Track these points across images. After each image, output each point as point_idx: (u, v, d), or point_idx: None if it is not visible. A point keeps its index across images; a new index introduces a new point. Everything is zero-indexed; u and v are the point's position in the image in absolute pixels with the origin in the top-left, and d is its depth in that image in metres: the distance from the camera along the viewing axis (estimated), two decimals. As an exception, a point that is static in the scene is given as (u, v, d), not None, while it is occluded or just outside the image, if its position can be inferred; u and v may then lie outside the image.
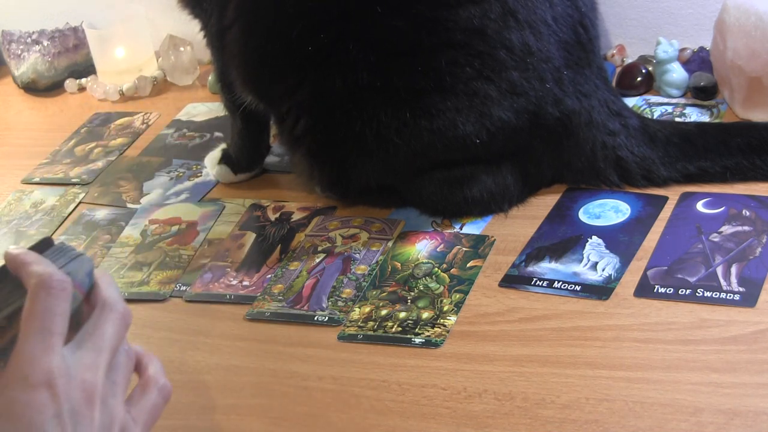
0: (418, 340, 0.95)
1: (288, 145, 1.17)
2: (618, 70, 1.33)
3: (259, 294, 1.06)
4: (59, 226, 1.26)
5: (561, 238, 1.05)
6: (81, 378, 0.68)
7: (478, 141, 1.06)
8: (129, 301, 1.06)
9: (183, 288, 1.09)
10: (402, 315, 0.99)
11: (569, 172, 1.12)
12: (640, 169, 1.10)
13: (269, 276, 1.08)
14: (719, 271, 0.96)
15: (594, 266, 1.00)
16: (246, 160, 1.27)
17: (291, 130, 1.13)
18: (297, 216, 1.18)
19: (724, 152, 1.09)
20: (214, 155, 1.29)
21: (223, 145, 1.29)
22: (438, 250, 1.07)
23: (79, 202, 1.30)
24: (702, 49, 1.31)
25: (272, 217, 1.18)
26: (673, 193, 1.09)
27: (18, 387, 0.65)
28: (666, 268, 0.98)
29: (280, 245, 1.13)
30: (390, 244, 1.09)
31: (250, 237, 1.15)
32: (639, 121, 1.13)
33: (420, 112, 1.05)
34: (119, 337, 0.72)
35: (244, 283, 1.08)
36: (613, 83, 1.28)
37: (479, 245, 1.06)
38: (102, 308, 0.72)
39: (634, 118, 1.13)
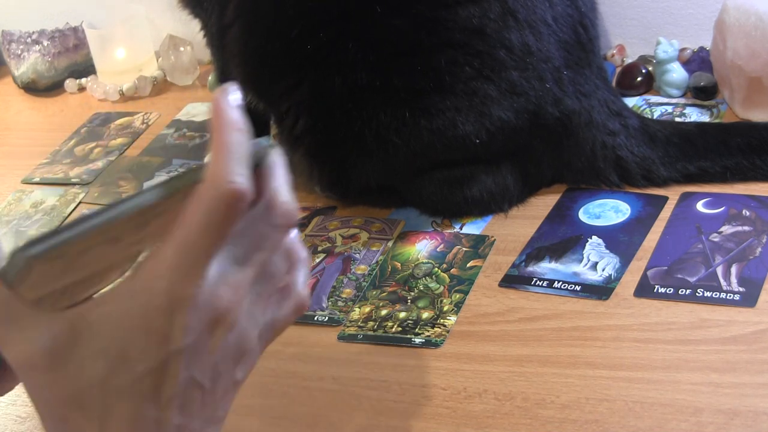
0: (418, 340, 0.95)
1: (287, 145, 1.17)
2: (618, 70, 1.33)
3: (259, 294, 1.06)
4: (59, 226, 1.25)
5: (561, 238, 1.05)
6: (217, 300, 0.56)
7: (477, 141, 1.06)
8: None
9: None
10: (402, 315, 0.99)
11: (569, 172, 1.12)
12: (640, 169, 1.10)
13: (269, 276, 1.08)
14: (719, 271, 0.96)
15: (594, 266, 1.00)
16: None
17: (290, 130, 1.13)
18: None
19: (724, 152, 1.09)
20: None
21: None
22: (438, 250, 1.07)
23: (79, 202, 1.30)
24: (702, 49, 1.30)
25: (272, 217, 1.18)
26: (673, 193, 1.08)
27: (141, 300, 0.55)
28: (666, 268, 0.98)
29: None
30: (390, 244, 1.09)
31: (250, 237, 1.15)
32: (639, 121, 1.13)
33: (419, 111, 1.05)
34: (279, 244, 0.60)
35: (244, 283, 1.08)
36: (613, 83, 1.28)
37: (479, 245, 1.06)
38: (266, 208, 0.59)
39: (634, 118, 1.13)
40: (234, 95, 0.58)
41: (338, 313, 1.01)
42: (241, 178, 0.55)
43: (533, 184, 1.12)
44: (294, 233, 0.62)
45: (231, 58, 1.15)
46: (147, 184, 1.31)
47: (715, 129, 1.13)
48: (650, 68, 1.30)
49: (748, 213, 1.03)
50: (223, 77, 1.21)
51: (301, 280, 0.63)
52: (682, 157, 1.10)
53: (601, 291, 0.97)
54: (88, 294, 0.58)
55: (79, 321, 0.56)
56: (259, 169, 0.58)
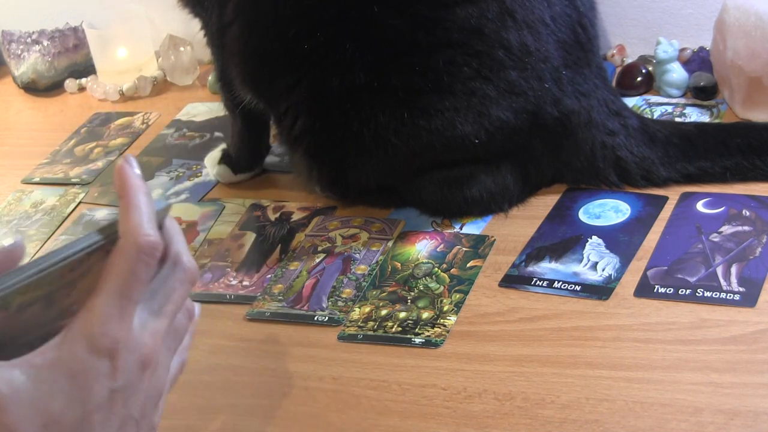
0: (418, 340, 0.95)
1: (287, 145, 1.17)
2: (618, 70, 1.33)
3: (259, 294, 1.06)
4: (59, 226, 1.26)
5: (561, 238, 1.05)
6: (143, 347, 0.64)
7: (477, 141, 1.06)
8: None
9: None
10: (402, 315, 0.99)
11: (569, 172, 1.12)
12: (639, 169, 1.10)
13: (269, 276, 1.08)
14: (719, 271, 0.96)
15: (594, 266, 1.00)
16: (246, 160, 1.27)
17: (289, 130, 1.13)
18: (297, 216, 1.18)
19: (724, 153, 1.09)
20: (213, 155, 1.29)
21: (222, 145, 1.29)
22: (438, 250, 1.07)
23: (79, 202, 1.30)
24: (702, 49, 1.30)
25: (272, 217, 1.18)
26: (673, 193, 1.08)
27: (83, 345, 0.62)
28: (666, 268, 0.98)
29: (280, 245, 1.13)
30: (390, 244, 1.09)
31: (250, 237, 1.15)
32: (638, 121, 1.13)
33: (418, 112, 1.05)
34: (185, 299, 0.68)
35: (244, 283, 1.08)
36: (613, 83, 1.28)
37: (479, 245, 1.06)
38: (173, 267, 0.67)
39: (634, 118, 1.13)
40: (135, 162, 0.67)
41: (338, 313, 1.01)
42: (153, 231, 0.65)
43: (533, 183, 1.12)
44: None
45: (230, 57, 1.15)
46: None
47: (714, 129, 1.13)
48: (650, 68, 1.30)
49: (748, 213, 1.03)
50: (222, 77, 1.21)
51: (188, 341, 0.73)
52: (682, 157, 1.10)
53: (601, 291, 0.97)
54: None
55: (29, 372, 0.62)
56: (162, 230, 0.67)
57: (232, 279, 1.09)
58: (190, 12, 1.22)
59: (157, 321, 0.66)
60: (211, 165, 1.29)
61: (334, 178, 1.14)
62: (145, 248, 0.64)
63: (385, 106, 1.06)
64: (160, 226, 0.67)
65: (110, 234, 0.65)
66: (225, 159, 1.27)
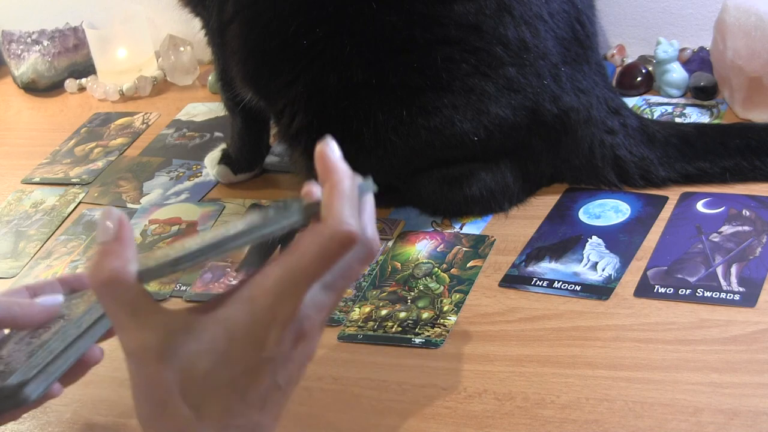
0: (418, 340, 0.95)
1: (286, 143, 1.17)
2: (618, 70, 1.33)
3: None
4: (59, 226, 1.26)
5: (561, 238, 1.05)
6: (305, 320, 0.65)
7: (476, 138, 1.06)
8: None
9: (183, 288, 1.09)
10: (402, 315, 0.99)
11: (568, 170, 1.12)
12: (638, 169, 1.10)
13: (269, 276, 1.08)
14: (719, 271, 0.96)
15: (594, 266, 1.00)
16: (246, 160, 1.27)
17: (287, 128, 1.13)
18: (297, 216, 1.17)
19: (723, 153, 1.09)
20: (213, 155, 1.29)
21: (222, 145, 1.29)
22: (438, 250, 1.07)
23: (79, 202, 1.30)
24: (702, 49, 1.31)
25: (272, 217, 1.18)
26: (673, 193, 1.09)
27: (247, 311, 0.64)
28: (666, 268, 0.98)
29: (280, 245, 1.13)
30: (390, 244, 1.09)
31: (250, 237, 1.15)
32: (638, 120, 1.13)
33: (417, 109, 1.05)
34: (359, 275, 0.70)
35: (244, 283, 1.08)
36: (613, 83, 1.28)
37: (479, 245, 1.06)
38: (362, 245, 0.66)
39: (633, 118, 1.13)
40: (335, 146, 0.70)
41: (338, 313, 1.01)
42: (353, 221, 0.64)
43: (533, 182, 1.12)
44: None
45: (231, 55, 1.15)
46: (146, 185, 1.30)
47: (714, 130, 1.13)
48: (650, 68, 1.30)
49: (748, 213, 1.03)
50: (223, 76, 1.21)
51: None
52: (681, 157, 1.10)
53: (601, 291, 0.97)
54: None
55: (192, 320, 0.64)
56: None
57: (232, 279, 1.09)
58: (191, 11, 1.22)
59: (327, 296, 0.66)
60: (211, 165, 1.28)
61: None
62: (343, 238, 0.63)
63: (384, 104, 1.06)
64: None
65: (311, 215, 0.66)
66: (225, 159, 1.27)
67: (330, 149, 0.70)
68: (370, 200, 0.69)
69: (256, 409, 0.65)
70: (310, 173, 1.14)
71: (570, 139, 1.09)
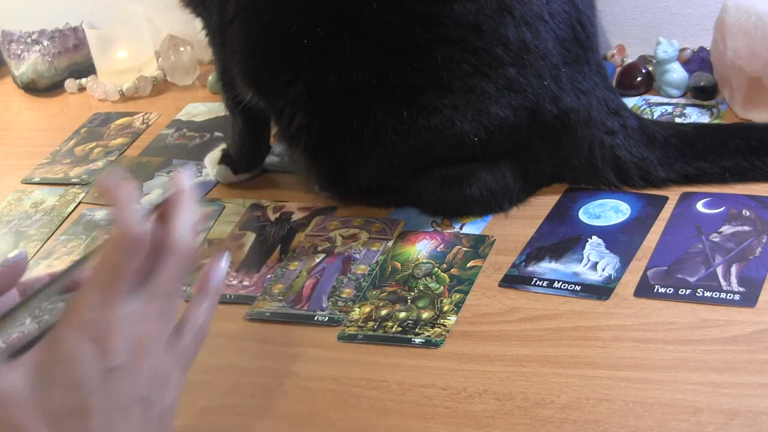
0: (418, 340, 0.95)
1: (286, 142, 1.17)
2: (618, 70, 1.33)
3: (259, 294, 1.06)
4: (59, 226, 1.26)
5: (561, 238, 1.05)
6: (133, 328, 0.67)
7: (476, 138, 1.06)
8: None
9: (183, 288, 1.09)
10: (402, 315, 0.99)
11: (568, 171, 1.12)
12: (638, 169, 1.10)
13: (269, 276, 1.08)
14: (719, 271, 0.96)
15: (594, 266, 1.00)
16: (246, 161, 1.27)
17: (287, 127, 1.13)
18: (297, 216, 1.18)
19: (723, 153, 1.09)
20: (213, 155, 1.29)
21: (223, 145, 1.29)
22: (438, 250, 1.07)
23: (79, 202, 1.30)
24: (702, 49, 1.30)
25: (272, 217, 1.18)
26: (673, 193, 1.08)
27: (69, 332, 0.66)
28: (666, 268, 0.98)
29: (280, 245, 1.13)
30: (390, 244, 1.09)
31: (250, 237, 1.15)
32: (637, 121, 1.12)
33: (417, 109, 1.05)
34: (178, 281, 0.71)
35: (244, 283, 1.08)
36: (613, 83, 1.28)
37: (479, 245, 1.06)
38: (167, 250, 0.70)
39: (633, 118, 1.12)
40: (119, 171, 0.73)
41: (338, 313, 1.01)
42: (137, 223, 0.67)
43: (533, 182, 1.12)
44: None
45: (232, 55, 1.15)
46: (146, 185, 1.30)
47: (713, 130, 1.13)
48: (650, 68, 1.30)
49: (748, 213, 1.03)
50: (224, 76, 1.21)
51: (203, 314, 0.75)
52: (681, 158, 1.10)
53: (601, 291, 0.97)
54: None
55: (31, 365, 0.66)
56: (160, 217, 0.71)
57: (232, 279, 1.09)
58: (192, 12, 1.22)
59: (148, 304, 0.68)
60: (211, 165, 1.28)
61: (334, 176, 1.14)
62: (129, 241, 0.67)
63: (384, 103, 1.06)
64: (162, 215, 0.71)
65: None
66: (225, 159, 1.27)
67: (112, 173, 0.71)
68: (179, 208, 0.72)
69: (120, 424, 0.67)
70: (310, 173, 1.16)
71: (570, 140, 1.09)
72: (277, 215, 1.18)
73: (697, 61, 1.29)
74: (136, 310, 0.68)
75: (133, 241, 0.67)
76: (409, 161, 1.09)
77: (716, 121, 1.20)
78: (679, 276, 0.96)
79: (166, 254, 0.70)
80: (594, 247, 1.03)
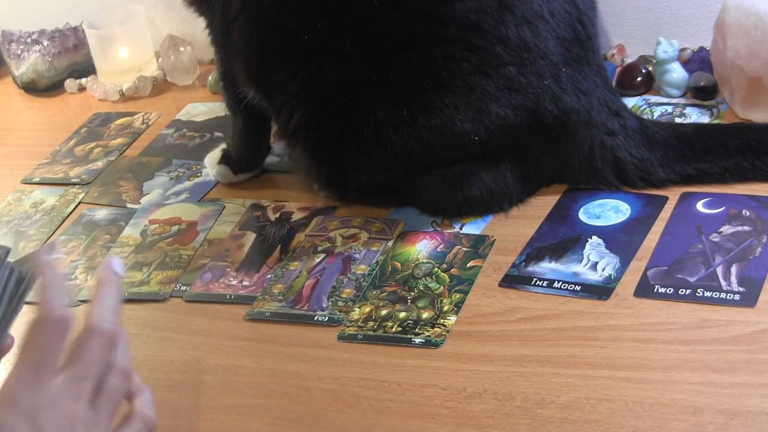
0: (418, 340, 0.95)
1: (285, 141, 1.17)
2: (618, 70, 1.33)
3: (259, 294, 1.06)
4: (59, 226, 1.26)
5: (561, 238, 1.05)
6: (65, 410, 0.71)
7: (476, 138, 1.06)
8: (129, 301, 1.07)
9: (183, 288, 1.09)
10: (402, 315, 0.98)
11: (568, 172, 1.12)
12: (638, 170, 1.10)
13: (269, 276, 1.08)
14: (719, 271, 0.96)
15: (594, 266, 1.00)
16: (246, 161, 1.27)
17: (286, 125, 1.13)
18: (297, 216, 1.18)
19: (723, 154, 1.09)
20: (213, 155, 1.29)
21: (223, 146, 1.29)
22: (438, 250, 1.07)
23: (79, 202, 1.30)
24: (702, 49, 1.30)
25: (272, 217, 1.18)
26: (673, 193, 1.08)
27: (5, 409, 0.70)
28: (666, 268, 0.98)
29: (280, 245, 1.13)
30: (390, 244, 1.09)
31: (250, 237, 1.15)
32: (638, 122, 1.12)
33: (417, 109, 1.05)
34: (105, 361, 0.74)
35: (244, 283, 1.08)
36: (613, 83, 1.28)
37: (479, 245, 1.06)
38: (88, 332, 0.74)
39: (633, 119, 1.12)
40: (54, 248, 0.76)
41: (338, 313, 1.01)
42: (62, 306, 0.71)
43: (533, 182, 1.12)
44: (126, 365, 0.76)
45: (235, 53, 1.15)
46: (146, 185, 1.31)
47: (713, 131, 1.13)
48: (650, 68, 1.30)
49: (748, 213, 1.03)
50: (226, 75, 1.21)
51: (147, 405, 0.78)
52: (681, 159, 1.10)
53: (601, 291, 0.97)
54: None
55: None
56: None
57: (232, 279, 1.09)
58: (196, 11, 1.22)
59: (76, 384, 0.72)
60: (210, 165, 1.28)
61: (333, 176, 1.14)
62: (54, 322, 0.71)
63: (384, 102, 1.06)
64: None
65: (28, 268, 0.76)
66: (225, 159, 1.27)
67: (48, 259, 0.75)
68: (113, 291, 0.76)
69: None
70: (310, 172, 1.15)
71: (570, 141, 1.09)
72: (277, 215, 1.18)
73: (697, 61, 1.29)
74: (65, 390, 0.71)
75: (56, 324, 0.71)
76: (409, 161, 1.09)
77: (716, 121, 1.20)
78: (679, 276, 0.96)
79: (90, 335, 0.73)
80: (594, 247, 1.03)
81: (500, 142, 1.07)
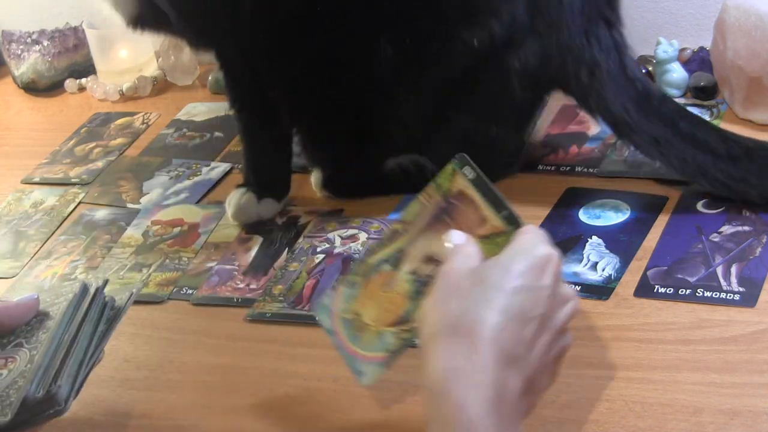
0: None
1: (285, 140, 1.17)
2: (618, 70, 1.33)
3: (259, 296, 1.06)
4: (59, 226, 1.26)
5: (561, 238, 1.05)
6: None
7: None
8: (129, 301, 1.07)
9: (187, 291, 1.09)
10: (402, 315, 0.98)
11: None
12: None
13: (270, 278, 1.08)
14: (719, 271, 0.96)
15: (594, 266, 1.00)
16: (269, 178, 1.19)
17: (284, 125, 1.14)
18: (304, 219, 1.17)
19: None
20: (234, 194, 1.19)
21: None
22: (438, 250, 1.07)
23: (79, 202, 1.30)
24: (702, 49, 1.30)
25: (279, 220, 1.18)
26: (673, 193, 1.08)
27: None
28: (666, 268, 0.98)
29: (287, 249, 1.13)
30: (390, 244, 1.09)
31: (257, 241, 1.15)
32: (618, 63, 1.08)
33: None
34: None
35: (251, 286, 1.08)
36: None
37: (479, 245, 1.06)
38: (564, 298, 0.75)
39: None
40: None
41: (338, 313, 1.00)
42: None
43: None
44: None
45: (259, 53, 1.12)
46: (146, 185, 1.30)
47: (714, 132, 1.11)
48: (650, 68, 1.30)
49: (748, 213, 1.03)
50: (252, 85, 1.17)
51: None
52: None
53: (601, 291, 0.97)
54: None
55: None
56: None
57: (239, 282, 1.08)
58: (203, 49, 1.22)
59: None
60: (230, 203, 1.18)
61: (330, 176, 1.14)
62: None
63: (378, 99, 1.06)
64: None
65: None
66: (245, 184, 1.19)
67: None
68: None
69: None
70: (309, 171, 1.15)
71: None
72: (285, 219, 1.18)
73: (697, 61, 1.29)
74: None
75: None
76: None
77: (716, 122, 1.20)
78: (679, 276, 0.96)
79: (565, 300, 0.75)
80: (594, 247, 1.03)
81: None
